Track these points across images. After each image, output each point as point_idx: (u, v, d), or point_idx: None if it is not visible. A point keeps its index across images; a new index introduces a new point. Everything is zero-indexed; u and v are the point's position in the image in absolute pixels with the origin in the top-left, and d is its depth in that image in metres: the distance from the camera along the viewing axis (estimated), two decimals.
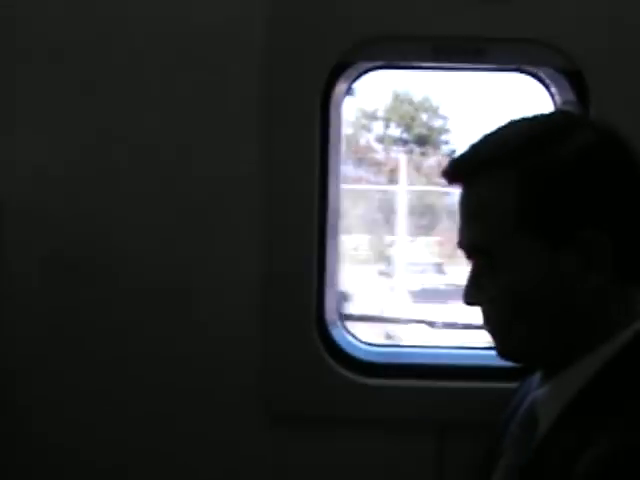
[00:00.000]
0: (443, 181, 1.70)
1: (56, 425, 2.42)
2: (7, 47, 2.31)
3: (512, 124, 1.66)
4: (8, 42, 2.31)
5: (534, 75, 2.37)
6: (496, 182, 1.58)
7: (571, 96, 2.28)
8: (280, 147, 2.30)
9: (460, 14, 2.24)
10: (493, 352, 1.72)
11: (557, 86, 2.33)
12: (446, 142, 7.29)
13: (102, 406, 2.40)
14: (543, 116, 1.69)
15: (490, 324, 1.67)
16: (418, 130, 7.16)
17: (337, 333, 2.42)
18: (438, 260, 6.26)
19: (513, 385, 1.96)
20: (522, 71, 2.38)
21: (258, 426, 2.39)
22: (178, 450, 2.41)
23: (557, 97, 2.35)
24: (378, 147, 6.96)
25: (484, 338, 1.75)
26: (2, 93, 2.33)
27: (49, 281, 2.38)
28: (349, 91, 2.42)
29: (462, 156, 1.66)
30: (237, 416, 2.39)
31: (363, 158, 6.63)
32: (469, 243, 1.65)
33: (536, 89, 2.39)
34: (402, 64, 2.40)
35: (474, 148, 1.65)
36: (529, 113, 1.68)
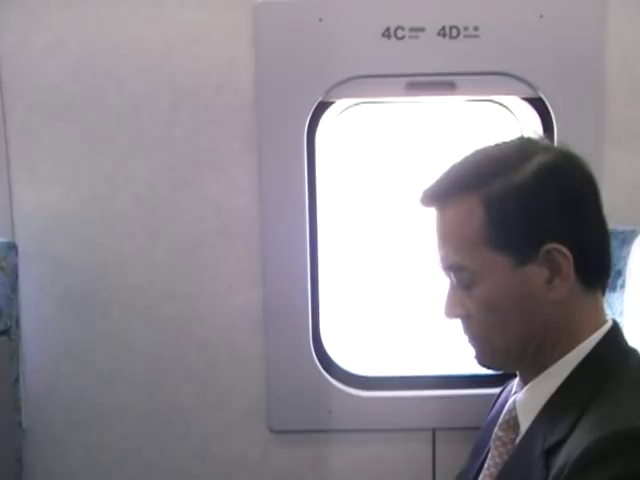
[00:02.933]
0: None
1: (73, 439, 2.54)
2: (25, 106, 2.42)
3: (477, 152, 1.76)
4: (27, 101, 2.42)
5: (501, 104, 2.50)
6: (464, 206, 1.69)
7: (537, 122, 2.41)
8: (270, 179, 2.41)
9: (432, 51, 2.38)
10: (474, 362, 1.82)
11: (523, 113, 2.46)
12: None
13: (118, 423, 2.52)
14: (505, 143, 1.78)
15: (469, 336, 1.77)
16: None
17: (333, 351, 2.52)
18: None
19: (496, 390, 2.06)
20: (491, 101, 2.50)
21: (264, 443, 2.50)
22: (190, 465, 2.53)
23: (524, 124, 2.47)
24: None
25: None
26: (22, 148, 2.43)
27: (63, 316, 2.48)
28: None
29: (434, 184, 1.75)
30: (245, 435, 2.50)
31: None
32: (444, 261, 1.74)
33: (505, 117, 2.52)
34: (379, 100, 2.50)
35: (444, 175, 1.75)
36: (496, 140, 1.79)
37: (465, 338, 1.79)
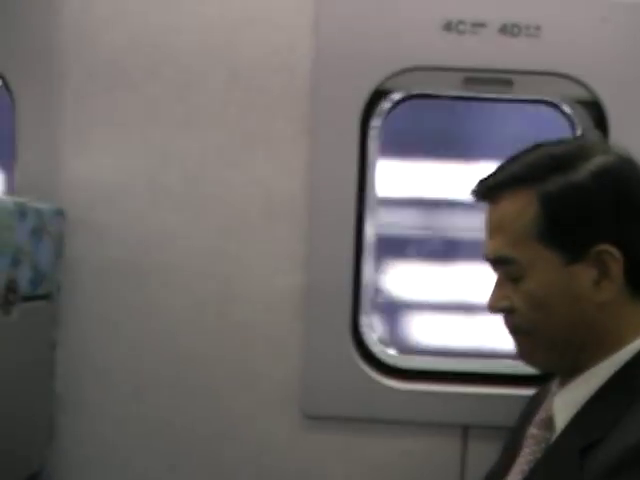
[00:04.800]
0: None
1: (104, 408, 2.52)
2: (82, 74, 2.43)
3: (536, 148, 1.77)
4: (84, 69, 2.43)
5: (554, 105, 2.49)
6: (519, 200, 1.70)
7: (590, 125, 2.40)
8: (321, 164, 2.41)
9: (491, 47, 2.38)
10: (514, 359, 1.85)
11: (577, 116, 2.45)
12: None
13: (150, 395, 2.50)
14: (565, 141, 1.82)
15: (512, 331, 1.79)
16: None
17: (370, 340, 2.51)
18: None
19: (531, 391, 2.08)
20: (544, 102, 2.49)
21: (295, 428, 2.48)
22: (219, 444, 2.51)
23: (577, 126, 2.45)
24: None
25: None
26: (76, 116, 2.45)
27: (103, 286, 2.48)
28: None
29: (490, 176, 1.78)
30: (277, 418, 2.49)
31: None
32: (493, 253, 1.76)
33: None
34: (435, 93, 2.50)
35: (501, 169, 1.77)
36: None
37: (508, 333, 1.80)
